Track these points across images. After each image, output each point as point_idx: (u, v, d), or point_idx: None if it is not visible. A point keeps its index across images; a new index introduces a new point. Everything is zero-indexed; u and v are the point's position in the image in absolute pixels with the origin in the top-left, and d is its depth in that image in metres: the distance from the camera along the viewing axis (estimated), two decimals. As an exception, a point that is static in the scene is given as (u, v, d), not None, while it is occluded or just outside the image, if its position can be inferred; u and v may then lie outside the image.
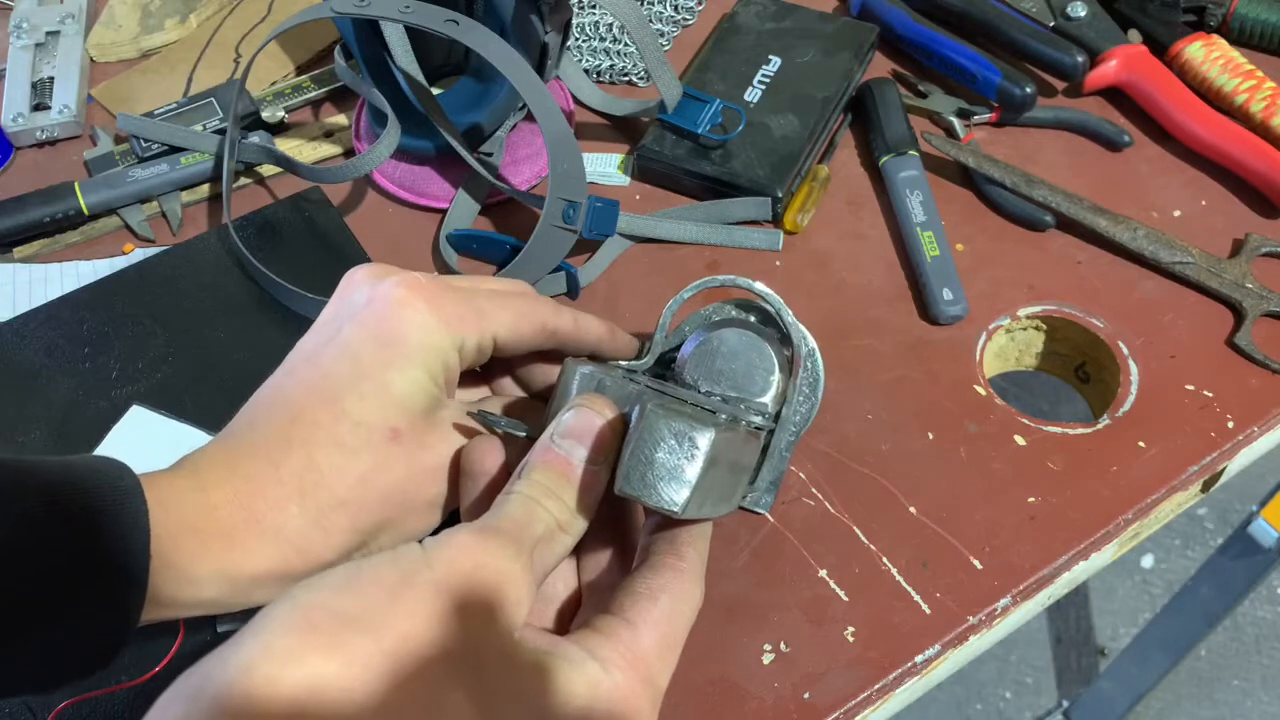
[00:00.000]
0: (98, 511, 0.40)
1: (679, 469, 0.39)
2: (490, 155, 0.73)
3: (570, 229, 0.64)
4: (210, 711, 0.31)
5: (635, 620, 0.39)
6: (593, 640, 0.38)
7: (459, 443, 0.47)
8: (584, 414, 0.42)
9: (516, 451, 0.45)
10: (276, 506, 0.44)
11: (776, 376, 0.52)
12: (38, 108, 0.80)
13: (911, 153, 0.72)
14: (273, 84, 0.81)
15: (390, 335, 0.45)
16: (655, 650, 0.39)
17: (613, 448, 0.42)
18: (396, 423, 0.45)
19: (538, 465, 0.41)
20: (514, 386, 0.54)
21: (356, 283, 0.49)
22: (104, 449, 0.61)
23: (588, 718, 0.35)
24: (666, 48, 0.83)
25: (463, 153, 0.70)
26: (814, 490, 0.59)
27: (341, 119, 0.79)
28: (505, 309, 0.49)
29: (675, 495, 0.39)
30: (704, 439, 0.40)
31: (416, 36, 0.72)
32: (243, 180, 0.75)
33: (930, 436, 0.61)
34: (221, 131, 0.74)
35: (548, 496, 0.40)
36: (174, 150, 0.74)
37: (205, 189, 0.75)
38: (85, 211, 0.72)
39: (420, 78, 0.70)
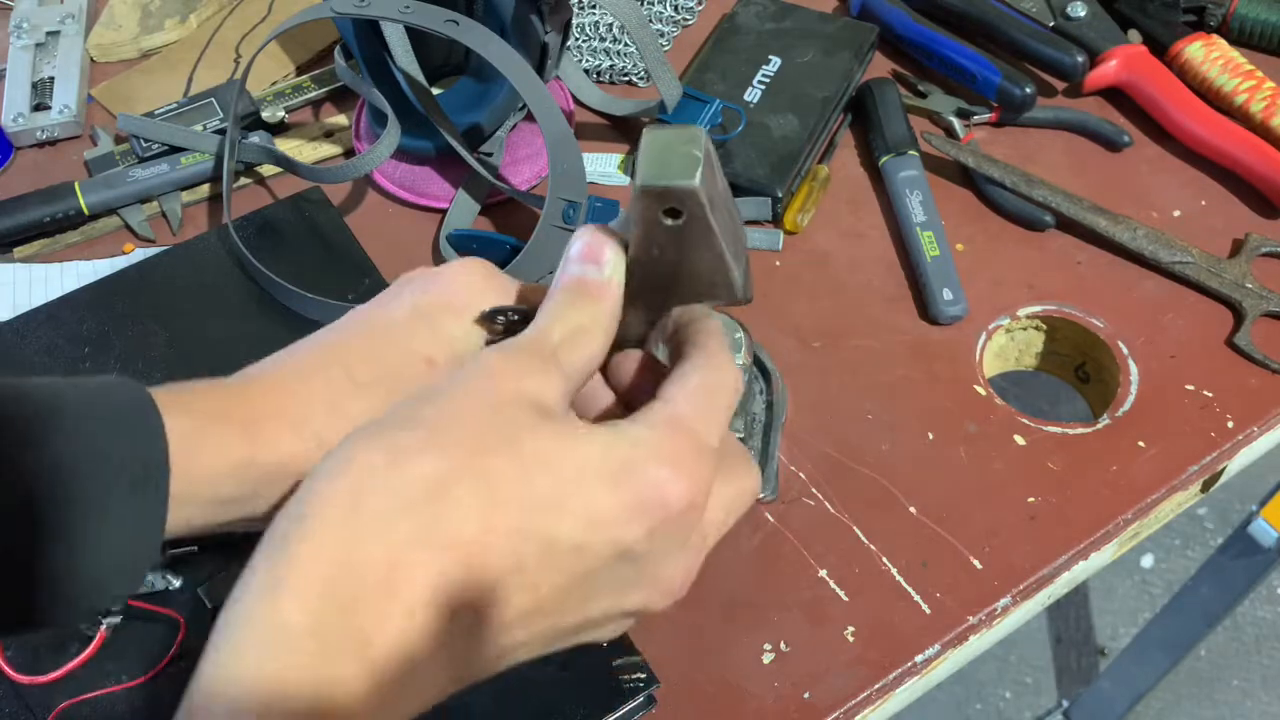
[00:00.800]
0: (117, 420, 0.41)
1: (686, 155, 0.42)
2: (490, 155, 0.73)
3: (570, 229, 0.64)
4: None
5: (667, 396, 0.40)
6: (626, 421, 0.40)
7: None
8: (587, 233, 0.44)
9: None
10: (304, 405, 0.45)
11: (741, 334, 0.55)
12: (38, 108, 0.80)
13: (911, 153, 0.72)
14: (273, 84, 0.81)
15: (449, 295, 0.48)
16: (693, 412, 0.40)
17: (620, 259, 0.44)
18: (434, 354, 0.47)
19: (554, 290, 0.43)
20: None
21: (420, 269, 0.51)
22: (104, 449, 0.61)
23: (632, 465, 0.37)
24: (666, 48, 0.83)
25: (463, 153, 0.70)
26: (814, 490, 0.59)
27: (341, 119, 0.79)
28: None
29: (690, 173, 0.41)
30: (699, 132, 0.43)
31: (416, 37, 0.72)
32: (243, 180, 0.75)
33: (930, 436, 0.61)
34: (222, 131, 0.74)
35: (566, 307, 0.43)
36: (174, 150, 0.74)
37: (205, 189, 0.75)
38: (85, 211, 0.72)
39: (420, 78, 0.71)
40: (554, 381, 0.40)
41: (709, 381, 0.41)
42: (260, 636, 0.33)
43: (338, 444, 0.37)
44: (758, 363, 0.59)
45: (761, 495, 0.58)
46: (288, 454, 0.44)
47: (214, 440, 0.43)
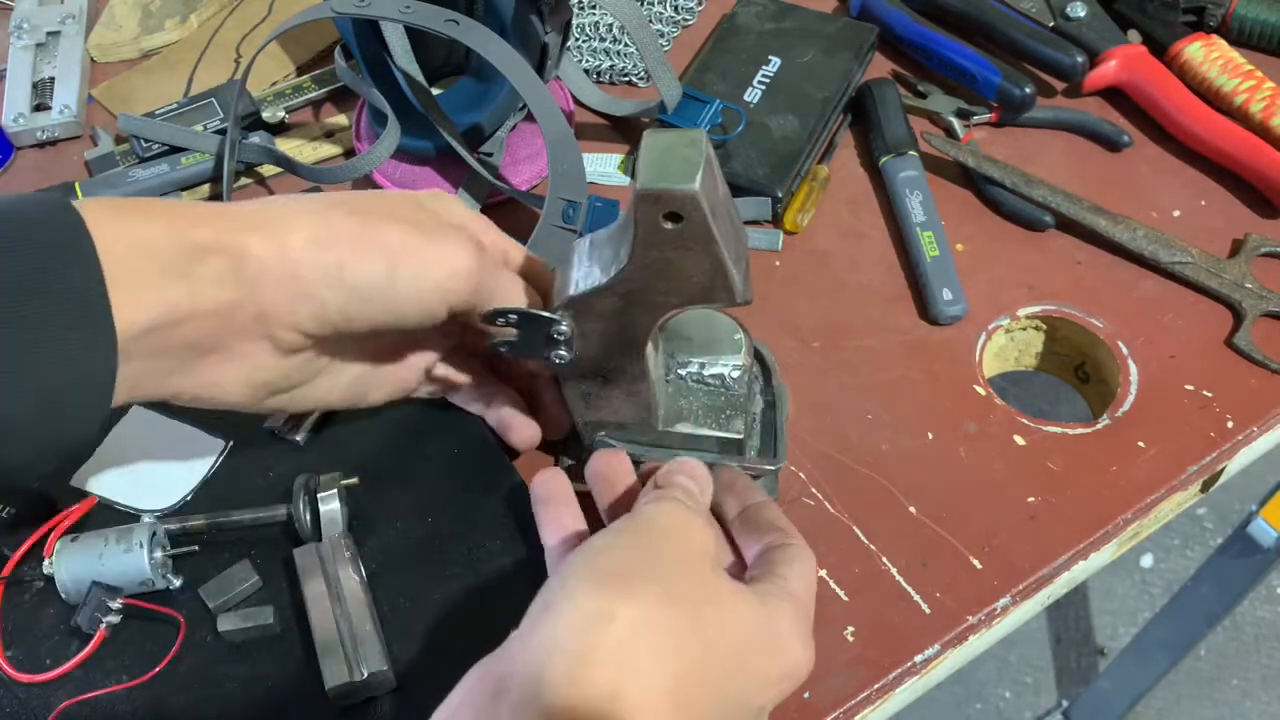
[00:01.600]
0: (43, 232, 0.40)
1: (686, 159, 0.43)
2: (490, 155, 0.73)
3: (570, 229, 0.64)
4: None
5: (783, 574, 0.47)
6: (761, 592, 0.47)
7: (441, 229, 0.50)
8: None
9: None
10: (242, 209, 0.46)
11: (741, 335, 0.57)
12: (38, 108, 0.80)
13: (911, 153, 0.72)
14: (273, 84, 0.81)
15: (432, 195, 0.52)
16: (804, 592, 0.47)
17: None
18: (396, 207, 0.50)
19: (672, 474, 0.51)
20: None
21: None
22: (104, 450, 0.61)
23: (780, 639, 0.44)
24: (666, 48, 0.83)
25: (463, 153, 0.70)
26: (814, 490, 0.59)
27: (342, 119, 0.79)
28: (520, 246, 0.56)
29: (690, 177, 0.42)
30: (700, 136, 0.44)
31: (416, 37, 0.72)
32: (243, 180, 0.75)
33: (930, 436, 0.61)
34: (222, 132, 0.74)
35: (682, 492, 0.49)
36: (174, 150, 0.74)
37: (205, 189, 0.75)
38: (85, 211, 0.72)
39: (420, 78, 0.71)
40: (720, 539, 0.50)
41: (812, 574, 0.48)
42: None
43: (558, 580, 0.41)
44: (758, 357, 0.59)
45: (772, 465, 0.59)
46: (222, 229, 0.44)
47: (144, 220, 0.43)
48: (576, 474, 0.56)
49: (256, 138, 0.75)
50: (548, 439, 0.59)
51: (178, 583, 0.55)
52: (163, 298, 0.43)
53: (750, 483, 0.54)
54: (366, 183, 0.75)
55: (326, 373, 0.52)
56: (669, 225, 0.44)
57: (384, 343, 0.54)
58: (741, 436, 0.54)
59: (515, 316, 0.51)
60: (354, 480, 0.57)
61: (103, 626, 0.53)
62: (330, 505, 0.56)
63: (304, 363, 0.50)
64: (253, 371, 0.48)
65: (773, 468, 0.55)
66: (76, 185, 0.72)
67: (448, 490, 0.58)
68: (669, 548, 0.44)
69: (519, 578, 0.55)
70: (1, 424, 0.40)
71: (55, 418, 0.41)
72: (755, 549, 0.49)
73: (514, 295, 0.51)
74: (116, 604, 0.53)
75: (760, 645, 0.43)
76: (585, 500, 0.57)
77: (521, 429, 0.58)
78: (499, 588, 0.55)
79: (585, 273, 0.49)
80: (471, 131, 0.72)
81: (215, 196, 0.74)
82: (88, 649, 0.52)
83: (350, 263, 0.46)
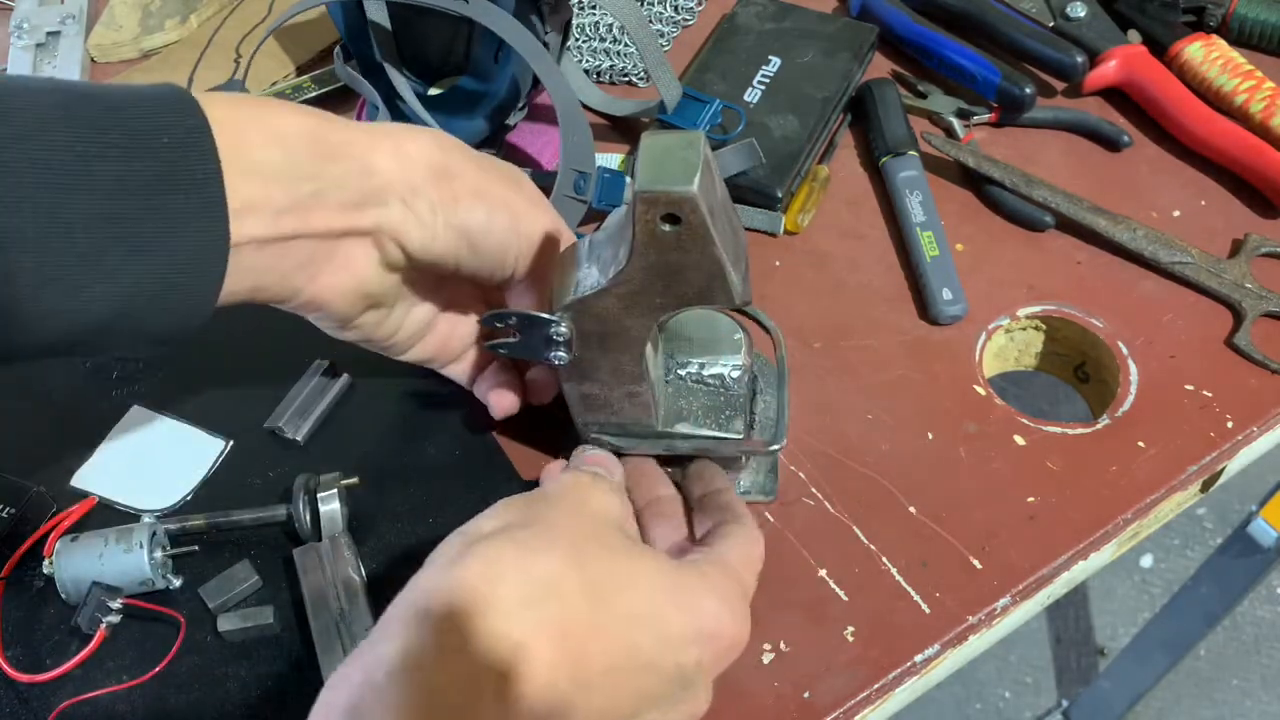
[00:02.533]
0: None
1: (685, 160, 0.43)
2: (495, 154, 0.73)
3: (581, 199, 0.65)
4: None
5: (718, 548, 0.48)
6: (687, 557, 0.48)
7: (532, 197, 0.54)
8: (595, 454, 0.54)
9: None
10: (376, 126, 0.50)
11: (741, 335, 0.57)
12: (38, 108, 0.80)
13: (911, 153, 0.73)
14: (273, 84, 0.81)
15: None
16: (740, 564, 0.48)
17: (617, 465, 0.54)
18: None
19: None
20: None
21: None
22: (104, 450, 0.61)
23: (694, 594, 0.44)
24: (666, 48, 0.83)
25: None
26: (814, 490, 0.59)
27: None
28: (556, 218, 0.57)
29: (689, 179, 0.42)
30: (698, 137, 0.44)
31: (418, 34, 0.72)
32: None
33: (930, 436, 0.61)
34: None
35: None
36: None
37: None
38: (85, 211, 0.72)
39: (402, 73, 0.70)
40: (628, 509, 0.50)
41: (751, 549, 0.49)
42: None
43: (462, 535, 0.43)
44: (762, 327, 0.59)
45: (764, 497, 0.59)
46: (359, 141, 0.47)
47: (276, 110, 0.46)
48: None
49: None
50: (530, 404, 0.59)
51: (178, 583, 0.55)
52: (293, 191, 0.45)
53: (718, 472, 0.55)
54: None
55: (404, 303, 0.55)
56: (667, 227, 0.44)
57: (451, 295, 0.57)
58: (741, 437, 0.54)
59: (515, 318, 0.51)
60: (354, 480, 0.57)
61: (103, 626, 0.53)
62: (330, 505, 0.56)
63: (397, 285, 0.53)
64: (360, 281, 0.50)
65: (775, 447, 0.55)
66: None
67: (448, 490, 0.58)
68: (563, 506, 0.45)
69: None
70: (137, 305, 0.42)
71: (177, 299, 0.43)
72: (704, 528, 0.51)
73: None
74: (117, 604, 0.53)
75: (669, 601, 0.43)
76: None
77: (500, 399, 0.58)
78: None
79: (584, 274, 0.49)
80: (471, 131, 0.72)
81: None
82: (88, 649, 0.53)
83: (462, 200, 0.50)
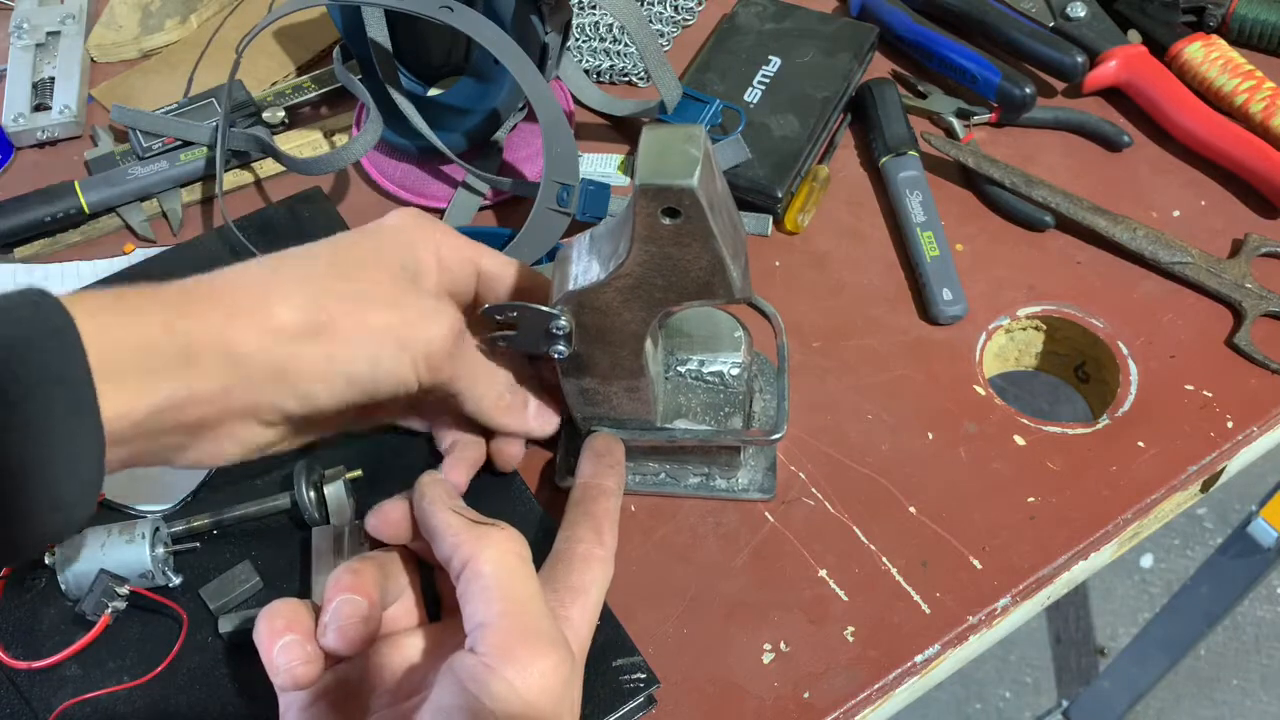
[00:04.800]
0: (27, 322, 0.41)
1: (685, 154, 0.43)
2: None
3: (564, 211, 0.65)
4: None
5: (573, 617, 0.47)
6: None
7: (429, 298, 0.51)
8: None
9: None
10: (228, 285, 0.47)
11: (741, 333, 0.57)
12: (38, 108, 0.80)
13: (911, 153, 0.73)
14: (273, 84, 0.81)
15: (376, 227, 0.53)
16: (588, 632, 0.48)
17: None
18: (367, 258, 0.51)
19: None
20: None
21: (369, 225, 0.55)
22: (104, 449, 0.61)
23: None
24: (666, 48, 0.83)
25: (447, 152, 0.70)
26: (814, 490, 0.59)
27: (342, 119, 0.79)
28: (499, 256, 0.55)
29: (689, 172, 0.42)
30: (699, 131, 0.44)
31: (417, 36, 0.72)
32: (243, 179, 0.75)
33: (930, 436, 0.61)
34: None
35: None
36: (173, 149, 0.74)
37: (205, 190, 0.75)
38: (85, 210, 0.72)
39: (387, 44, 0.70)
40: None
41: (601, 596, 0.50)
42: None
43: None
44: (764, 315, 0.60)
45: (762, 496, 0.59)
46: (213, 320, 0.45)
47: (132, 315, 0.43)
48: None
49: (248, 129, 0.74)
50: (490, 472, 0.58)
51: (177, 580, 0.55)
52: (155, 392, 0.43)
53: (616, 466, 0.55)
54: (368, 183, 0.75)
55: (311, 428, 0.53)
56: (667, 220, 0.44)
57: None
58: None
59: (515, 312, 0.51)
60: (358, 472, 0.57)
61: (108, 612, 0.52)
62: (335, 489, 0.56)
63: (293, 427, 0.51)
64: (244, 442, 0.49)
65: (776, 437, 0.55)
66: (76, 184, 0.72)
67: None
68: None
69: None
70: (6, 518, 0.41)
71: (50, 507, 0.41)
72: (565, 532, 0.51)
73: (481, 376, 0.53)
74: (124, 590, 0.53)
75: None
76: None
77: (450, 468, 0.56)
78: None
79: (584, 268, 0.49)
80: (471, 132, 0.72)
81: (215, 197, 0.74)
82: (91, 634, 0.52)
83: (339, 355, 0.48)
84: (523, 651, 0.42)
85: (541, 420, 0.57)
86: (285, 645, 0.45)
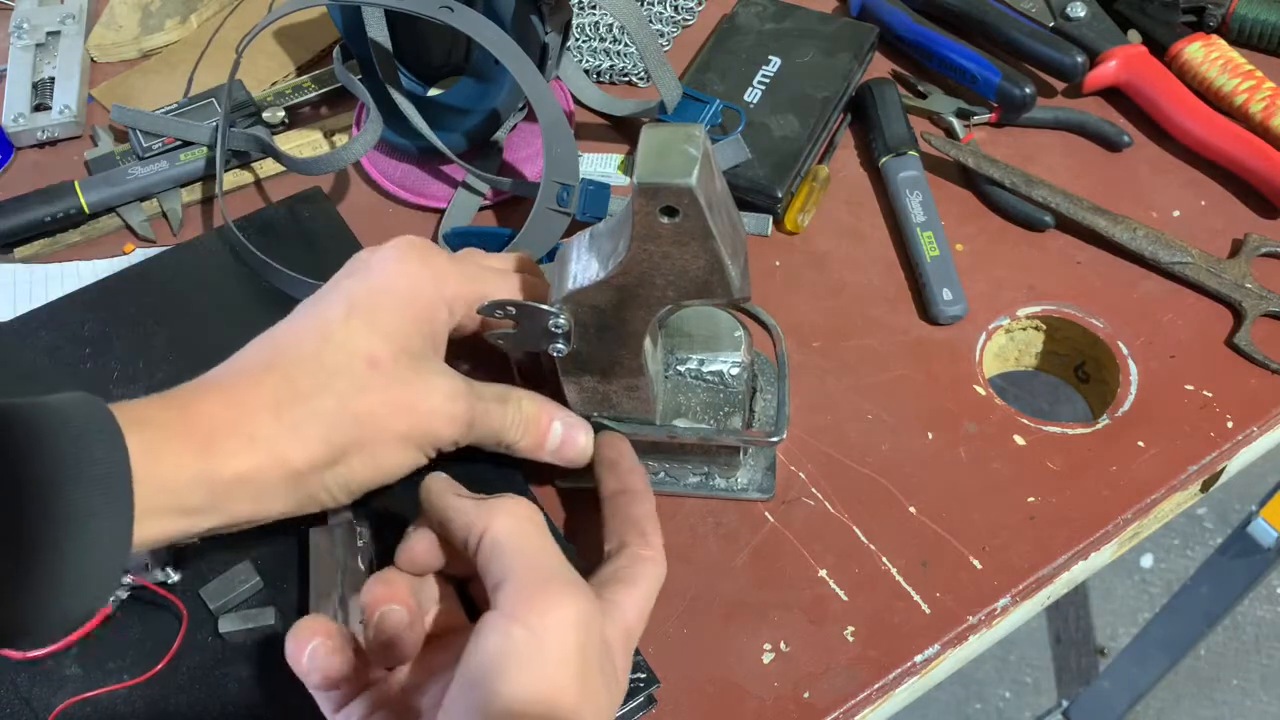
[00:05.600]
0: (80, 435, 0.42)
1: (684, 153, 0.43)
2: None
3: (564, 211, 0.65)
4: None
5: (620, 601, 0.48)
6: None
7: (439, 391, 0.50)
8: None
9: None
10: (251, 415, 0.47)
11: (741, 333, 0.57)
12: (38, 108, 0.80)
13: (911, 153, 0.73)
14: (273, 84, 0.81)
15: (384, 284, 0.51)
16: (636, 620, 0.48)
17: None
18: (377, 351, 0.49)
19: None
20: None
21: (359, 254, 0.53)
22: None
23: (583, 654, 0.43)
24: (666, 48, 0.83)
25: (447, 152, 0.70)
26: (814, 490, 0.59)
27: (342, 119, 0.79)
28: (505, 279, 0.54)
29: (687, 172, 0.42)
30: (698, 130, 0.43)
31: (417, 36, 0.72)
32: (243, 179, 0.75)
33: (930, 436, 0.61)
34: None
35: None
36: (173, 149, 0.74)
37: (205, 190, 0.75)
38: (85, 210, 0.72)
39: (387, 44, 0.70)
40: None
41: (653, 589, 0.49)
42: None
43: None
44: (762, 325, 0.60)
45: (760, 495, 0.59)
46: (244, 467, 0.46)
47: (172, 454, 0.44)
48: (570, 496, 0.56)
49: (248, 129, 0.74)
50: (494, 462, 0.58)
51: (176, 577, 0.55)
52: (187, 528, 0.46)
53: (635, 466, 0.54)
54: (368, 182, 0.75)
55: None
56: (666, 219, 0.44)
57: None
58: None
59: (514, 309, 0.51)
60: None
61: (110, 602, 0.52)
62: None
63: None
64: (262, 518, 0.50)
65: (776, 439, 0.55)
66: (76, 184, 0.72)
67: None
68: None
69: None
70: (32, 604, 0.41)
71: (70, 594, 0.42)
72: (611, 541, 0.51)
73: (496, 424, 0.52)
74: (127, 579, 0.53)
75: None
76: (572, 498, 0.57)
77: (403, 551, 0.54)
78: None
79: (584, 266, 0.49)
80: (471, 132, 0.72)
81: (211, 195, 0.74)
82: (91, 622, 0.52)
83: (357, 472, 0.49)
84: (540, 598, 0.42)
85: (573, 431, 0.55)
86: (313, 649, 0.46)
